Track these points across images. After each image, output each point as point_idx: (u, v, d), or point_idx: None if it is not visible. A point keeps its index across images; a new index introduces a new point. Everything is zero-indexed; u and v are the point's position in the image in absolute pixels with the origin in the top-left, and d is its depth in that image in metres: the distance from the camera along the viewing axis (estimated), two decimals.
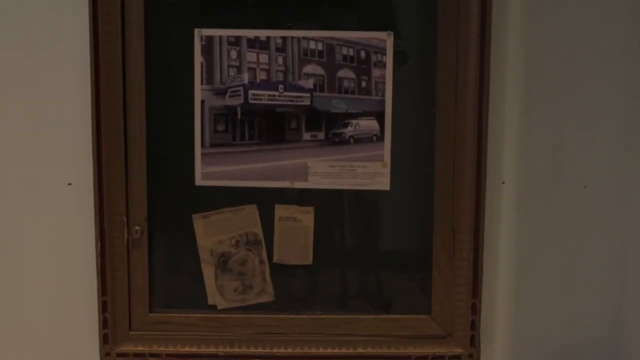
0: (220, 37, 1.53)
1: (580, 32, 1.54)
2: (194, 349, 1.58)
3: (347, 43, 1.53)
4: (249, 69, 1.53)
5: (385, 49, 1.52)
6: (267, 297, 1.59)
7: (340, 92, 1.54)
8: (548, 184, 1.58)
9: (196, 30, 1.53)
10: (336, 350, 1.57)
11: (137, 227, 1.55)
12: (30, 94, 1.57)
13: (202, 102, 1.54)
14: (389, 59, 1.52)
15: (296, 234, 1.56)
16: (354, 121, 1.54)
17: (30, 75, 1.57)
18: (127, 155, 1.54)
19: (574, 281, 1.60)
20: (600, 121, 1.56)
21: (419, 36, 1.52)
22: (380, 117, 1.53)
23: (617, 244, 1.59)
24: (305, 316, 1.58)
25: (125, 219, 1.55)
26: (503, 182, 1.57)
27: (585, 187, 1.58)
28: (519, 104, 1.56)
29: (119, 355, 1.58)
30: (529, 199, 1.58)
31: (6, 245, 1.61)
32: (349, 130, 1.54)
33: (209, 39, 1.53)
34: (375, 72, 1.53)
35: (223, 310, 1.59)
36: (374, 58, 1.53)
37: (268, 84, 1.53)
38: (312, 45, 1.53)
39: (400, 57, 1.51)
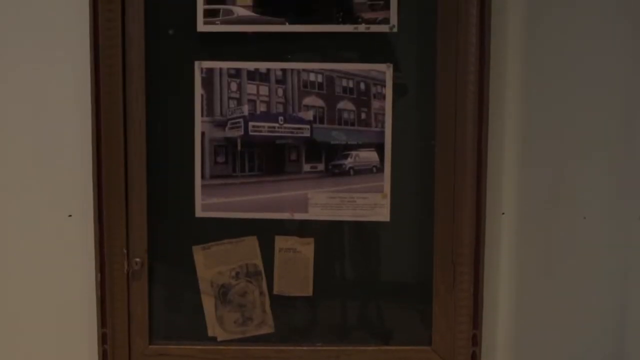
0: (221, 69, 1.54)
1: (580, 66, 1.55)
2: None
3: (347, 75, 1.53)
4: (249, 100, 1.54)
5: (384, 81, 1.53)
6: (267, 329, 1.58)
7: (340, 124, 1.54)
8: (548, 215, 1.58)
9: (196, 63, 1.54)
10: None
11: (137, 259, 1.55)
12: (31, 127, 1.58)
13: (203, 133, 1.54)
14: (388, 91, 1.53)
15: (296, 265, 1.56)
16: (353, 152, 1.54)
17: (31, 109, 1.58)
18: (127, 186, 1.54)
19: (574, 312, 1.60)
20: (600, 153, 1.57)
21: (418, 68, 1.53)
22: (380, 149, 1.54)
23: (617, 275, 1.59)
24: (305, 348, 1.58)
25: (125, 251, 1.55)
26: (503, 213, 1.58)
27: (584, 218, 1.58)
28: (518, 135, 1.56)
29: None
30: (528, 230, 1.58)
31: (6, 276, 1.61)
32: (348, 162, 1.54)
33: (209, 71, 1.54)
34: (375, 104, 1.53)
35: (223, 342, 1.58)
36: (373, 90, 1.53)
37: (268, 116, 1.54)
38: (312, 77, 1.53)
39: (399, 90, 1.52)
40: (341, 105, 1.54)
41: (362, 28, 1.52)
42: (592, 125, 1.57)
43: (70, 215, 1.59)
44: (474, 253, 1.54)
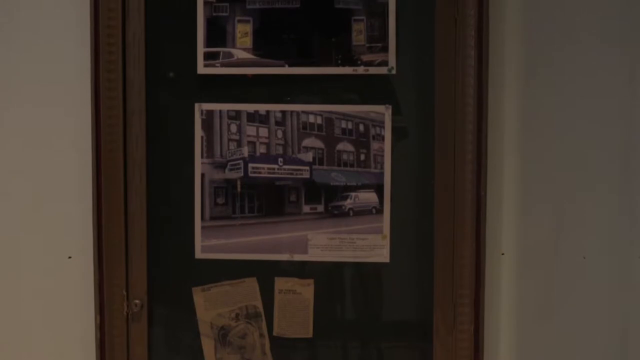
0: (221, 111, 1.55)
1: (579, 102, 1.56)
2: None
3: (346, 116, 1.54)
4: (249, 142, 1.55)
5: (383, 123, 1.53)
6: None
7: (339, 165, 1.55)
8: (547, 254, 1.58)
9: (197, 105, 1.55)
10: None
11: (137, 301, 1.55)
12: (32, 169, 1.59)
13: (202, 175, 1.55)
14: (387, 132, 1.53)
15: (296, 307, 1.56)
16: (353, 194, 1.55)
17: (32, 152, 1.59)
18: (127, 228, 1.54)
19: (575, 352, 1.59)
20: (599, 193, 1.57)
21: (417, 110, 1.54)
22: (379, 190, 1.54)
23: (618, 314, 1.58)
24: None
25: (125, 293, 1.55)
26: (503, 254, 1.58)
27: (584, 257, 1.58)
28: (517, 176, 1.57)
29: None
30: (528, 270, 1.58)
31: (6, 316, 1.61)
32: (348, 203, 1.55)
33: (210, 113, 1.55)
34: (374, 145, 1.54)
35: None
36: (372, 131, 1.54)
37: (268, 158, 1.55)
38: (311, 118, 1.54)
39: (399, 133, 1.53)
40: (340, 146, 1.55)
41: (360, 70, 1.53)
42: (591, 164, 1.57)
43: (70, 257, 1.59)
44: (474, 293, 1.54)
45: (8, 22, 1.59)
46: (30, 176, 1.59)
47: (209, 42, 1.54)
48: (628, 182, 1.57)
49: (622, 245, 1.58)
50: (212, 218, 1.55)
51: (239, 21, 1.54)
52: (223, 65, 1.54)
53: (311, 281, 1.56)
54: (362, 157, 1.55)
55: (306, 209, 1.55)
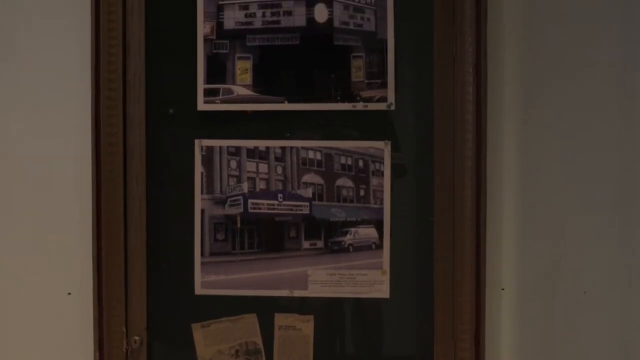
0: (220, 147, 1.55)
1: (579, 135, 1.56)
2: None
3: (345, 152, 1.55)
4: (249, 178, 1.55)
5: (383, 158, 1.54)
6: None
7: (339, 201, 1.55)
8: (547, 289, 1.58)
9: (197, 141, 1.55)
10: None
11: (137, 337, 1.54)
12: (32, 205, 1.59)
13: (202, 211, 1.55)
14: (386, 168, 1.54)
15: (296, 343, 1.55)
16: (352, 229, 1.55)
17: (32, 188, 1.60)
18: (127, 264, 1.54)
19: None
20: (599, 228, 1.57)
21: (416, 145, 1.55)
22: (379, 225, 1.54)
23: (619, 350, 1.58)
24: None
25: (124, 329, 1.54)
26: (503, 289, 1.57)
27: (585, 293, 1.57)
28: (517, 211, 1.57)
29: None
30: (528, 305, 1.58)
31: (6, 352, 1.60)
32: (348, 239, 1.55)
33: (209, 149, 1.55)
34: (374, 181, 1.55)
35: None
36: (372, 167, 1.55)
37: (267, 193, 1.55)
38: (311, 154, 1.55)
39: (398, 170, 1.53)
40: (340, 182, 1.55)
41: (360, 106, 1.54)
42: (590, 199, 1.57)
43: (69, 293, 1.59)
44: (475, 328, 1.54)
45: (10, 57, 1.60)
46: (30, 212, 1.60)
47: (209, 79, 1.55)
48: (628, 217, 1.57)
49: (622, 281, 1.58)
50: (212, 254, 1.55)
51: (239, 58, 1.55)
52: (223, 101, 1.55)
53: (311, 317, 1.56)
54: (362, 192, 1.55)
55: (306, 244, 1.55)
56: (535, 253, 1.58)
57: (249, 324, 1.56)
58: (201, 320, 1.56)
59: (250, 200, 1.55)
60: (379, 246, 1.55)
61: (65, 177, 1.59)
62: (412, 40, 1.55)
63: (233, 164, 1.55)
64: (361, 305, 1.56)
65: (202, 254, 1.55)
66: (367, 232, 1.55)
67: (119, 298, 1.54)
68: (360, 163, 1.55)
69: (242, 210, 1.55)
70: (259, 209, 1.55)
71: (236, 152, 1.55)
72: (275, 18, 1.54)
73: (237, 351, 1.56)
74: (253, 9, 1.55)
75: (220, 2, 1.55)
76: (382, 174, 1.54)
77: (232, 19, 1.55)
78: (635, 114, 1.56)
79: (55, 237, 1.59)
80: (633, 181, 1.58)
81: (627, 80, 1.57)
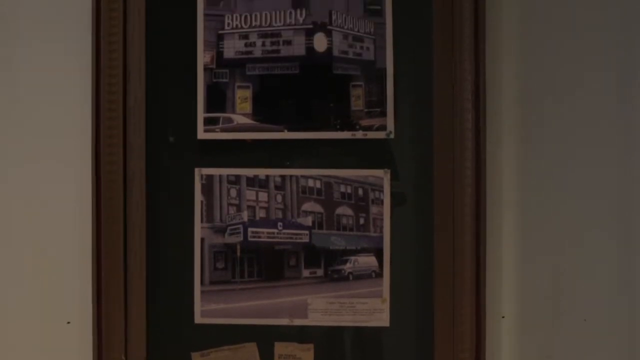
0: (220, 176, 1.55)
1: (578, 154, 1.57)
2: None
3: (345, 181, 1.55)
4: (249, 207, 1.55)
5: (382, 187, 1.54)
6: None
7: (338, 229, 1.55)
8: (548, 317, 1.57)
9: (197, 170, 1.56)
10: None
11: None
12: (31, 233, 1.59)
13: (202, 240, 1.55)
14: (386, 197, 1.54)
15: None
16: (352, 258, 1.55)
17: (32, 216, 1.60)
18: (126, 293, 1.54)
19: None
20: (600, 255, 1.57)
21: (416, 174, 1.55)
22: (378, 254, 1.54)
23: None
24: None
25: (124, 358, 1.54)
26: (503, 317, 1.57)
27: (585, 320, 1.57)
28: (517, 239, 1.57)
29: None
30: (529, 332, 1.57)
31: None
32: (348, 267, 1.55)
33: (209, 177, 1.55)
34: (373, 209, 1.55)
35: None
36: (371, 195, 1.55)
37: (267, 222, 1.55)
38: (311, 183, 1.55)
39: (397, 199, 1.54)
40: (340, 210, 1.55)
41: (359, 135, 1.54)
42: (591, 226, 1.58)
43: (68, 322, 1.59)
44: (475, 357, 1.53)
45: (9, 81, 1.61)
46: (29, 240, 1.60)
47: (209, 108, 1.55)
48: (629, 245, 1.57)
49: (623, 308, 1.58)
50: (212, 282, 1.55)
51: (239, 87, 1.55)
52: (223, 130, 1.55)
53: (311, 346, 1.55)
54: (362, 221, 1.55)
55: (306, 273, 1.55)
56: (535, 281, 1.58)
57: (249, 352, 1.55)
58: (201, 349, 1.56)
59: (250, 229, 1.55)
60: (379, 274, 1.55)
61: (65, 204, 1.59)
62: (411, 68, 1.55)
63: (233, 192, 1.55)
64: (361, 334, 1.56)
65: (201, 283, 1.55)
66: (367, 261, 1.55)
67: (119, 327, 1.54)
68: (360, 191, 1.55)
69: (242, 238, 1.55)
70: (259, 237, 1.55)
71: (236, 180, 1.56)
72: (275, 47, 1.55)
73: None
74: (253, 38, 1.55)
75: (221, 32, 1.56)
76: (382, 202, 1.55)
77: (232, 48, 1.55)
78: (636, 133, 1.57)
79: (54, 266, 1.59)
80: (635, 207, 1.58)
81: (627, 106, 1.57)
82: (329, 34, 1.55)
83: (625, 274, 1.58)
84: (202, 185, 1.55)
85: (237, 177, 1.56)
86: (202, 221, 1.55)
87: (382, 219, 1.54)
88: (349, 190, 1.55)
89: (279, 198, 1.55)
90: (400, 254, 1.55)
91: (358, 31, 1.55)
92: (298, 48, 1.55)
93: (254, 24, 1.55)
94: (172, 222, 1.56)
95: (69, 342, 1.58)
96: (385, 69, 1.55)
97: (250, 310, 1.55)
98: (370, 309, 1.55)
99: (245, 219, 1.55)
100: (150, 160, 1.55)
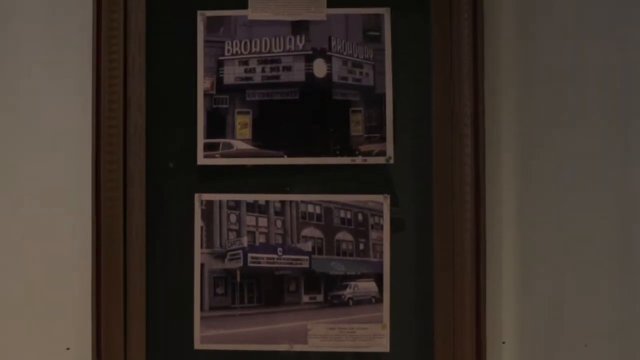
0: (220, 201, 1.56)
1: (575, 200, 1.57)
2: None
3: (345, 206, 1.55)
4: (248, 232, 1.55)
5: (382, 212, 1.54)
6: None
7: (338, 255, 1.55)
8: (549, 342, 1.57)
9: (196, 195, 1.56)
10: None
11: None
12: (31, 260, 1.59)
13: (202, 265, 1.55)
14: (386, 222, 1.54)
15: None
16: (352, 283, 1.55)
17: (31, 237, 1.60)
18: (126, 318, 1.54)
19: None
20: (600, 280, 1.57)
21: (415, 199, 1.55)
22: (378, 279, 1.54)
23: None
24: None
25: None
26: (504, 342, 1.57)
27: (586, 345, 1.57)
28: (517, 264, 1.57)
29: None
30: (530, 359, 1.57)
31: None
32: (347, 292, 1.55)
33: (209, 203, 1.56)
34: (373, 235, 1.55)
35: None
36: (371, 221, 1.55)
37: (267, 247, 1.55)
38: (310, 208, 1.55)
39: (396, 225, 1.54)
40: (340, 236, 1.55)
41: (359, 160, 1.55)
42: (591, 252, 1.58)
43: (68, 349, 1.58)
44: None
45: (9, 111, 1.61)
46: (29, 264, 1.60)
47: (209, 133, 1.56)
48: (629, 271, 1.57)
49: (623, 334, 1.57)
50: (212, 308, 1.55)
51: (239, 113, 1.56)
52: (223, 156, 1.55)
53: None
54: (361, 246, 1.55)
55: (306, 298, 1.55)
56: (536, 307, 1.57)
57: None
58: None
59: (249, 254, 1.55)
60: (379, 300, 1.54)
61: (65, 230, 1.59)
62: (411, 94, 1.56)
63: (233, 218, 1.56)
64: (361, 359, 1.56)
65: (201, 308, 1.55)
66: (367, 286, 1.55)
67: (118, 353, 1.53)
68: (360, 217, 1.55)
69: (241, 264, 1.55)
70: (259, 262, 1.55)
71: (236, 206, 1.56)
72: (274, 73, 1.56)
73: None
74: (253, 64, 1.56)
75: (221, 58, 1.56)
76: (382, 228, 1.55)
77: (232, 74, 1.56)
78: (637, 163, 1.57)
79: (54, 291, 1.59)
80: (635, 238, 1.58)
81: (629, 131, 1.58)
82: (328, 60, 1.56)
83: (626, 300, 1.58)
84: (202, 211, 1.56)
85: (237, 202, 1.56)
86: (202, 247, 1.55)
87: (382, 245, 1.54)
88: (348, 216, 1.55)
89: (279, 223, 1.55)
90: (400, 279, 1.54)
91: (357, 57, 1.56)
92: (298, 74, 1.55)
93: (253, 50, 1.56)
94: (172, 248, 1.56)
95: None
96: (384, 95, 1.55)
97: (250, 336, 1.54)
98: (370, 334, 1.54)
99: (245, 244, 1.55)
100: (150, 186, 1.55)
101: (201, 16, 1.57)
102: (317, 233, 1.55)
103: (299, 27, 1.56)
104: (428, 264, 1.53)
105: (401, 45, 1.56)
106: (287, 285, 1.55)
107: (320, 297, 1.55)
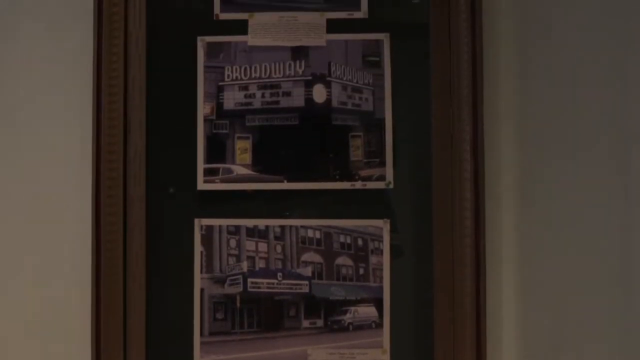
0: (220, 226, 1.56)
1: (574, 221, 1.57)
2: None
3: (345, 231, 1.56)
4: (248, 257, 1.55)
5: (382, 237, 1.55)
6: None
7: (338, 279, 1.55)
8: None
9: (196, 220, 1.56)
10: None
11: None
12: (31, 286, 1.59)
13: (202, 290, 1.55)
14: (386, 247, 1.54)
15: None
16: (352, 308, 1.55)
17: (32, 267, 1.60)
18: (125, 344, 1.54)
19: None
20: (600, 302, 1.57)
21: (415, 224, 1.55)
22: (378, 304, 1.54)
23: None
24: None
25: None
26: None
27: None
28: (517, 287, 1.57)
29: None
30: None
31: None
32: (347, 317, 1.55)
33: (209, 228, 1.56)
34: (373, 259, 1.55)
35: None
36: (371, 245, 1.55)
37: (267, 272, 1.55)
38: (310, 233, 1.55)
39: (395, 251, 1.54)
40: (339, 261, 1.55)
41: (358, 185, 1.55)
42: (590, 273, 1.57)
43: None
44: None
45: (10, 136, 1.62)
46: (29, 293, 1.59)
47: (209, 158, 1.56)
48: (631, 296, 1.57)
49: (625, 356, 1.57)
50: (212, 333, 1.55)
51: (239, 138, 1.56)
52: (222, 181, 1.56)
53: None
54: (361, 271, 1.55)
55: (306, 323, 1.55)
56: (536, 329, 1.57)
57: None
58: None
59: (249, 279, 1.55)
60: (379, 325, 1.54)
61: (64, 255, 1.59)
62: (410, 119, 1.57)
63: (232, 243, 1.56)
64: None
65: (201, 334, 1.55)
66: (367, 311, 1.55)
67: None
68: (360, 241, 1.55)
69: (241, 289, 1.55)
70: (259, 288, 1.55)
71: (236, 231, 1.56)
72: (274, 98, 1.56)
73: None
74: (252, 89, 1.57)
75: (221, 83, 1.57)
76: (381, 253, 1.55)
77: (232, 99, 1.57)
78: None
79: (54, 317, 1.58)
80: (634, 261, 1.58)
81: (629, 157, 1.58)
82: (328, 85, 1.56)
83: (628, 323, 1.57)
84: (202, 236, 1.56)
85: (237, 227, 1.56)
86: (201, 272, 1.55)
87: (381, 269, 1.55)
88: (348, 241, 1.56)
89: (279, 248, 1.56)
90: (401, 304, 1.55)
91: (357, 82, 1.57)
92: (297, 99, 1.56)
93: (253, 75, 1.57)
94: (172, 273, 1.56)
95: None
96: (384, 120, 1.56)
97: None
98: (370, 359, 1.54)
99: (245, 269, 1.55)
100: (150, 211, 1.55)
101: (201, 42, 1.57)
102: (317, 258, 1.55)
103: (298, 52, 1.57)
104: (428, 289, 1.53)
105: (400, 71, 1.57)
106: (287, 310, 1.55)
107: (320, 322, 1.55)
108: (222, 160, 1.56)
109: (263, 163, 1.56)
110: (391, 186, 1.55)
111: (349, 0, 1.57)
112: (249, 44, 1.57)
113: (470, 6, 1.54)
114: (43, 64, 1.62)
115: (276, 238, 1.55)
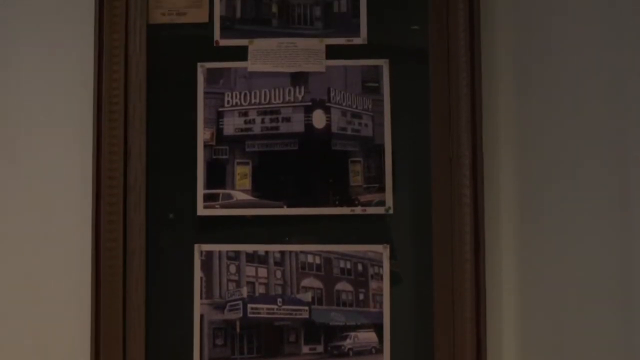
0: (220, 252, 1.56)
1: (573, 258, 1.57)
2: None
3: (344, 256, 1.56)
4: (248, 282, 1.55)
5: (382, 262, 1.55)
6: None
7: (338, 305, 1.55)
8: None
9: (196, 246, 1.56)
10: None
11: None
12: (31, 308, 1.60)
13: (202, 316, 1.55)
14: (385, 272, 1.54)
15: None
16: (352, 333, 1.55)
17: (31, 288, 1.60)
18: None
19: None
20: (600, 319, 1.57)
21: (415, 249, 1.55)
22: (379, 329, 1.54)
23: None
24: None
25: None
26: None
27: None
28: (517, 311, 1.57)
29: None
30: None
31: None
32: (348, 343, 1.54)
33: (209, 254, 1.56)
34: (373, 285, 1.55)
35: None
36: (371, 271, 1.55)
37: (267, 298, 1.55)
38: (310, 258, 1.55)
39: (394, 278, 1.54)
40: (339, 286, 1.55)
41: (358, 210, 1.55)
42: (590, 291, 1.58)
43: None
44: None
45: (10, 161, 1.62)
46: (28, 317, 1.59)
47: (208, 184, 1.56)
48: (631, 302, 1.57)
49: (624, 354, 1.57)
50: (212, 359, 1.54)
51: (238, 163, 1.57)
52: (222, 206, 1.56)
53: None
54: (361, 296, 1.55)
55: (305, 349, 1.55)
56: (535, 332, 1.57)
57: None
58: None
59: (249, 305, 1.55)
60: (379, 350, 1.54)
61: (65, 282, 1.59)
62: (409, 144, 1.57)
63: (232, 268, 1.56)
64: None
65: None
66: (367, 336, 1.54)
67: None
68: (360, 267, 1.55)
69: (241, 315, 1.55)
70: (259, 313, 1.55)
71: (235, 256, 1.56)
72: (274, 124, 1.57)
73: None
74: (252, 115, 1.57)
75: (220, 109, 1.58)
76: (381, 278, 1.55)
77: (231, 125, 1.57)
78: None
79: (54, 342, 1.58)
80: (634, 275, 1.58)
81: (629, 185, 1.59)
82: (327, 110, 1.57)
83: (628, 328, 1.57)
84: (202, 262, 1.56)
85: (237, 253, 1.56)
86: (201, 297, 1.55)
87: (381, 295, 1.54)
88: (348, 266, 1.56)
89: (279, 274, 1.55)
90: (401, 329, 1.54)
91: (356, 108, 1.57)
92: (297, 125, 1.57)
93: (253, 101, 1.58)
94: (171, 299, 1.56)
95: None
96: (383, 145, 1.56)
97: None
98: None
99: (245, 294, 1.55)
100: (150, 237, 1.55)
101: (201, 68, 1.58)
102: (317, 283, 1.55)
103: (298, 78, 1.57)
104: (428, 314, 1.53)
105: (400, 96, 1.57)
106: (287, 336, 1.55)
107: (320, 348, 1.54)
108: (222, 185, 1.56)
109: (263, 188, 1.56)
110: (391, 211, 1.55)
111: (348, 26, 1.58)
112: (249, 70, 1.58)
113: (469, 32, 1.55)
114: (43, 90, 1.63)
115: (276, 263, 1.55)
